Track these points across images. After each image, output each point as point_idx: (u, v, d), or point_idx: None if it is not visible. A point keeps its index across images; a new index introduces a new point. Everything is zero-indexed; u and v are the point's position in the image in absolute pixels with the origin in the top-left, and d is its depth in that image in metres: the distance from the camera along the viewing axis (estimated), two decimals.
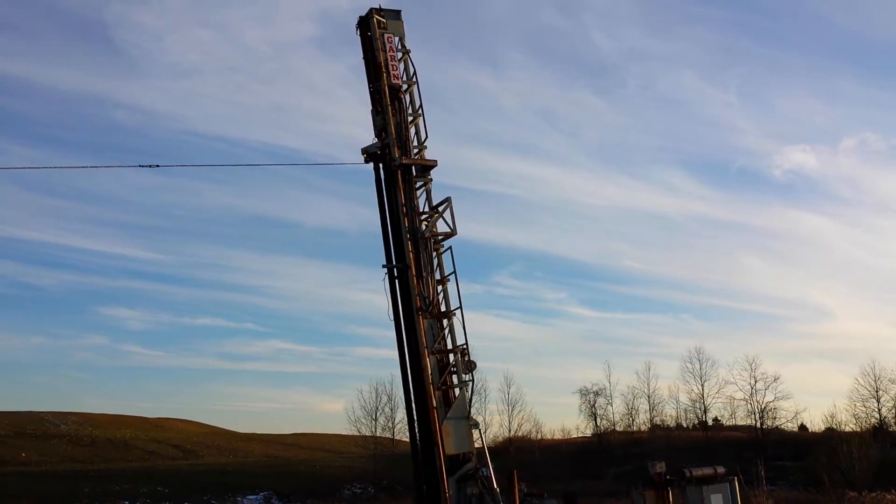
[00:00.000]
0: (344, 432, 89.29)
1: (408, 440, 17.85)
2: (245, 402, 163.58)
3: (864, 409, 72.58)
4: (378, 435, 76.75)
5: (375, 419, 75.76)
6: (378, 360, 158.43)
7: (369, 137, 18.10)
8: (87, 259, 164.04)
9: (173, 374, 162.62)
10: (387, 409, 74.73)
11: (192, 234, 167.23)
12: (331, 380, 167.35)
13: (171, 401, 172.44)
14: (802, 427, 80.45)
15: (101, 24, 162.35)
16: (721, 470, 19.55)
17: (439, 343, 17.30)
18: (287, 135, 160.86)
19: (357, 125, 19.36)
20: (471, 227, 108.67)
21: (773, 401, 73.72)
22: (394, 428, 73.88)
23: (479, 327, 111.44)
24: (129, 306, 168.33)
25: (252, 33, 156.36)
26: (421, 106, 18.18)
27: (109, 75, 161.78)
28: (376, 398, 75.31)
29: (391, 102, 17.79)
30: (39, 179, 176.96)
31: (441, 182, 18.32)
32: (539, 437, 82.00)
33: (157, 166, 18.21)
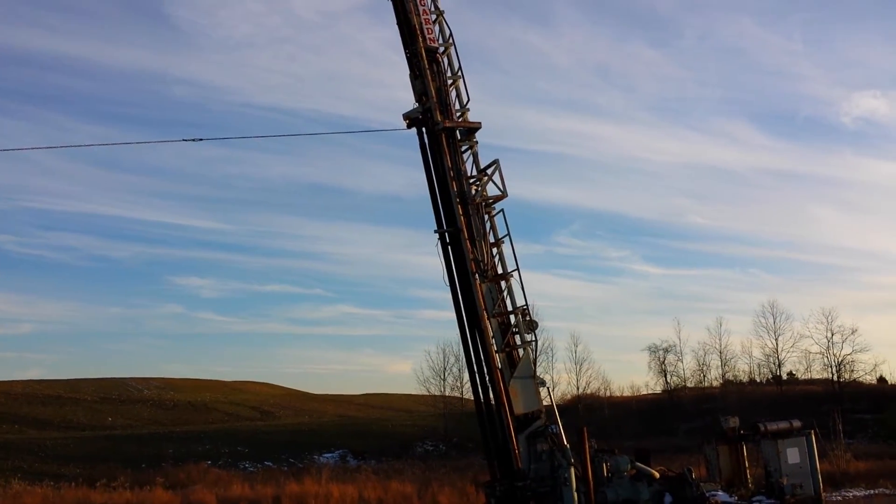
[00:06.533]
0: (413, 392, 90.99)
1: None
2: (316, 364, 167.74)
3: None
4: (447, 394, 77.71)
5: (444, 379, 76.70)
6: (443, 321, 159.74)
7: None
8: (157, 231, 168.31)
9: (247, 339, 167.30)
10: (454, 370, 75.46)
11: (255, 204, 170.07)
12: (397, 342, 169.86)
13: (247, 365, 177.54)
14: (881, 380, 77.93)
15: (156, 1, 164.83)
16: (797, 424, 18.95)
17: (499, 306, 17.26)
18: (340, 103, 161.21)
19: (409, 90, 19.04)
20: (528, 188, 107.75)
21: (850, 353, 71.96)
22: (462, 387, 74.60)
23: (542, 287, 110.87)
24: (200, 275, 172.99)
25: (301, 3, 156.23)
26: (460, 68, 17.87)
27: (167, 51, 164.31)
28: (444, 359, 76.13)
29: (429, 66, 17.53)
30: (107, 156, 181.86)
31: (497, 144, 18.05)
32: (608, 394, 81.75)
33: (200, 140, 18.39)
